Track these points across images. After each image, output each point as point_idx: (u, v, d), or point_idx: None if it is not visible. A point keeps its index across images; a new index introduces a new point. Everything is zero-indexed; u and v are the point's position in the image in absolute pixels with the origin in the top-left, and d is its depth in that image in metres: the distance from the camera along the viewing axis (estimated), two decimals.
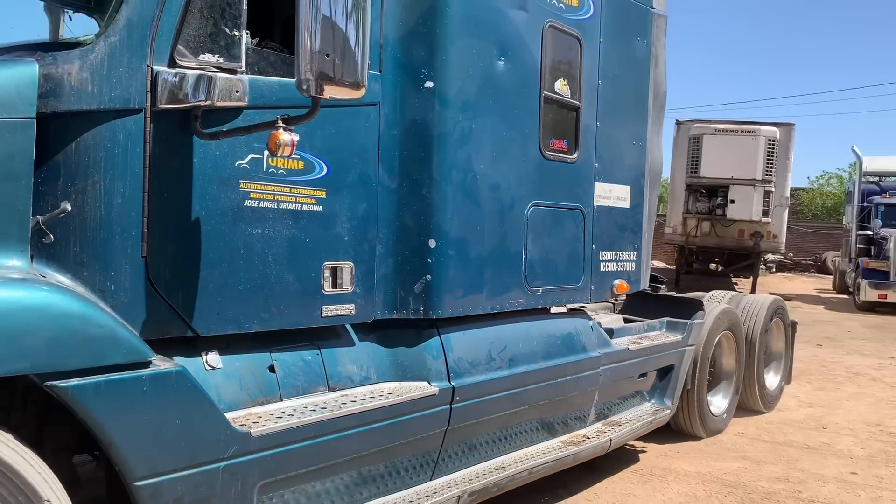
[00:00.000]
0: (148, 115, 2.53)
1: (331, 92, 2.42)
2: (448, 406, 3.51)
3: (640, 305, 6.12)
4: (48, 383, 2.13)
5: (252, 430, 2.65)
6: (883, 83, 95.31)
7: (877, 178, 21.72)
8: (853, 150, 19.98)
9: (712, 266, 19.49)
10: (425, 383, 3.47)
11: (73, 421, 2.31)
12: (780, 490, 5.05)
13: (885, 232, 18.06)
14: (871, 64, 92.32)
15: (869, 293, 17.40)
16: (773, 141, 16.89)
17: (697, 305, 5.99)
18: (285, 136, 2.50)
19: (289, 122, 2.54)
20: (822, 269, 30.77)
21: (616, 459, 5.27)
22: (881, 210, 19.30)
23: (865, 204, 19.94)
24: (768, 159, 16.71)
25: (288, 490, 2.89)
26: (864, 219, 19.63)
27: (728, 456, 5.77)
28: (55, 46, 2.56)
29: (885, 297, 17.09)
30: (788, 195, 18.26)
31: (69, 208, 2.37)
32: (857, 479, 5.39)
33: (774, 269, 28.34)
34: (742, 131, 16.89)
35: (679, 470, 5.35)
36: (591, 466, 5.01)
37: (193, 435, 2.47)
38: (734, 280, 19.43)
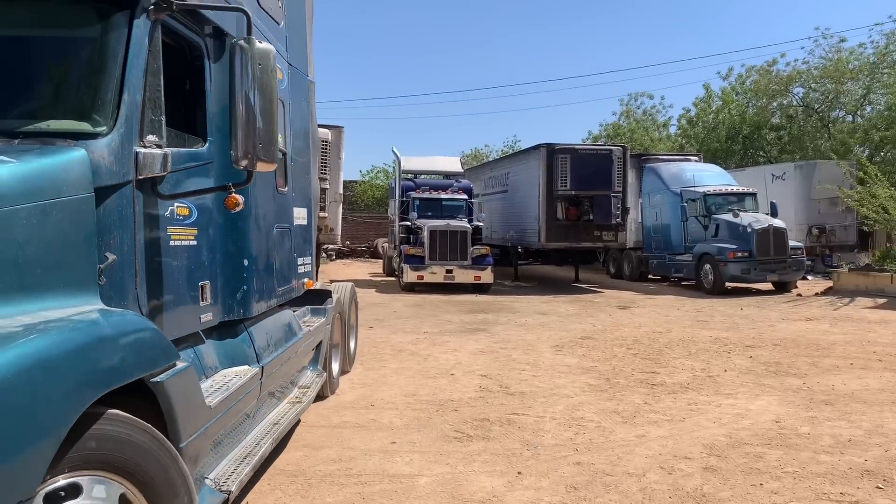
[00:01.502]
0: (134, 184, 3.40)
1: (260, 167, 3.71)
2: (260, 380, 4.82)
3: None
4: (152, 380, 3.04)
5: (211, 403, 3.73)
6: (422, 94, 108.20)
7: (412, 176, 24.44)
8: (393, 151, 22.77)
9: None
10: (247, 366, 4.72)
11: None
12: (334, 471, 5.43)
13: (420, 222, 20.95)
14: (413, 76, 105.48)
15: (410, 275, 20.00)
16: (326, 143, 17.62)
17: (327, 294, 7.95)
18: (239, 197, 3.68)
19: (234, 186, 3.71)
20: (374, 254, 34.05)
21: None
22: (417, 204, 21.98)
23: (405, 198, 22.52)
24: (323, 160, 17.34)
25: (208, 447, 3.97)
26: (404, 211, 22.27)
27: (291, 447, 6.02)
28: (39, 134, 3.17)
29: (422, 278, 19.92)
30: (341, 191, 19.38)
31: (116, 258, 3.16)
32: (395, 448, 6.00)
33: (335, 257, 30.91)
34: None
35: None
36: None
37: (194, 408, 3.49)
38: None
